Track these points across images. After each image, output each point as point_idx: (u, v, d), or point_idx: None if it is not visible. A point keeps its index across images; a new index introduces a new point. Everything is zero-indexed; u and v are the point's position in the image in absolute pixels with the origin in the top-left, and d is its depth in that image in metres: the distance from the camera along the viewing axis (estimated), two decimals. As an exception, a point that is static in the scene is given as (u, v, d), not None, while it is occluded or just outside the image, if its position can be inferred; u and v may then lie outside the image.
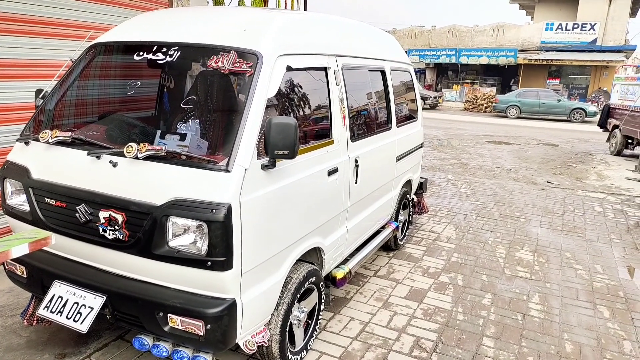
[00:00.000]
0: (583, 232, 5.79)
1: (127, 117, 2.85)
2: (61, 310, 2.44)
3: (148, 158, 2.30)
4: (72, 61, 2.98)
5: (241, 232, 2.22)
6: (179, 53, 2.61)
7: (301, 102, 2.89)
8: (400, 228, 4.81)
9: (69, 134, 2.54)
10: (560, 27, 28.15)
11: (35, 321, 2.86)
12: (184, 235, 2.23)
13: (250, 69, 2.42)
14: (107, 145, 2.45)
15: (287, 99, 2.73)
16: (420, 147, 5.26)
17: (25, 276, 2.71)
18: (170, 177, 2.27)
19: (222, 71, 2.46)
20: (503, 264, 4.67)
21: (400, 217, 4.85)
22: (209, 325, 2.22)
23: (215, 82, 2.65)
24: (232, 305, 2.27)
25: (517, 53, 28.15)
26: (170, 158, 2.29)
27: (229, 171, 2.20)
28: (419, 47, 33.47)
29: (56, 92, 2.87)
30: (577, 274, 4.55)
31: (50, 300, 2.49)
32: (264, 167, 2.36)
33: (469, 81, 31.62)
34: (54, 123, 2.77)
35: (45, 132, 2.58)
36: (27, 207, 2.63)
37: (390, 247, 4.76)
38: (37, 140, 2.62)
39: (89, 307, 2.39)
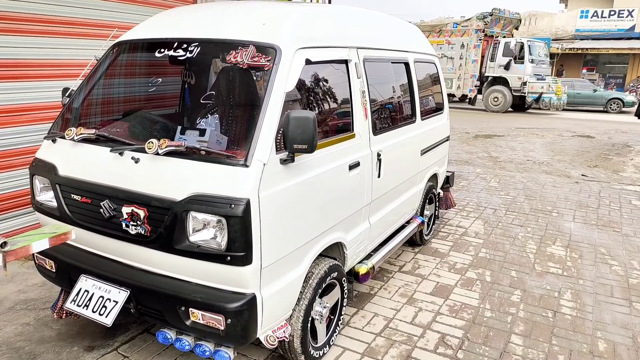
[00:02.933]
0: (619, 227, 5.56)
1: (150, 114, 2.88)
2: (87, 304, 2.50)
3: (169, 154, 2.32)
4: (97, 60, 3.04)
5: (260, 227, 2.22)
6: (199, 49, 2.62)
7: (321, 96, 2.86)
8: (425, 223, 4.73)
9: (93, 131, 2.59)
10: (595, 14, 27.17)
11: (64, 314, 2.94)
12: (204, 230, 2.24)
13: (268, 63, 2.41)
14: (130, 142, 2.48)
15: (306, 93, 2.70)
16: (447, 140, 5.16)
17: (54, 270, 2.78)
18: (189, 172, 2.28)
19: (241, 66, 2.45)
20: (533, 260, 4.53)
21: (426, 212, 4.76)
22: (229, 320, 2.23)
23: (234, 77, 2.66)
24: (252, 300, 2.27)
25: (551, 42, 27.28)
26: (190, 154, 2.31)
27: (247, 166, 2.19)
28: (446, 38, 32.80)
29: (81, 90, 2.93)
30: (612, 270, 4.38)
31: (77, 294, 2.55)
32: (283, 161, 2.34)
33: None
34: (79, 121, 2.82)
35: (71, 130, 2.64)
36: (55, 204, 2.70)
37: (415, 242, 4.69)
38: (63, 137, 2.69)
39: (114, 301, 2.44)
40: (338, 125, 3.01)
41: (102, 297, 2.47)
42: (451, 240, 4.98)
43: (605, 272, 4.32)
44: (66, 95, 2.97)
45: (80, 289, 2.56)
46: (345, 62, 3.02)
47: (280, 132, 2.32)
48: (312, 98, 2.79)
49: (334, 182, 2.80)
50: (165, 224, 2.28)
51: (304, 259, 2.63)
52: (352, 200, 3.07)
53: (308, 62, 2.57)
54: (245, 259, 2.19)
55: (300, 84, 2.61)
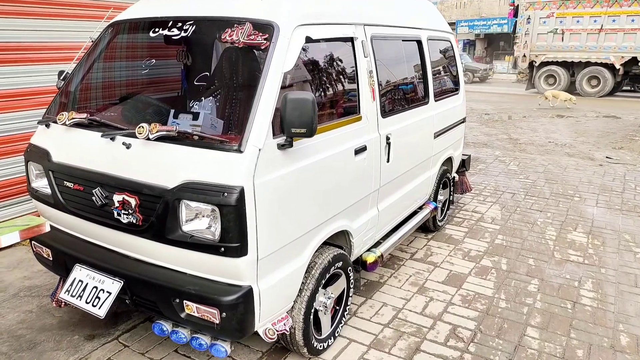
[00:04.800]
0: (645, 212, 5.30)
1: (147, 98, 2.76)
2: (81, 295, 2.43)
3: (160, 139, 2.20)
4: (92, 41, 2.92)
5: (256, 216, 2.09)
6: (194, 27, 2.47)
7: (324, 76, 2.70)
8: (439, 208, 4.56)
9: (84, 115, 2.48)
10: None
11: (63, 303, 2.88)
12: (197, 219, 2.13)
13: (265, 42, 2.25)
14: (122, 127, 2.37)
15: (307, 73, 2.54)
16: (463, 122, 4.94)
17: (50, 259, 2.72)
18: (182, 158, 2.16)
19: (237, 44, 2.30)
20: (553, 247, 4.33)
21: (440, 197, 4.58)
22: (224, 314, 2.12)
23: (230, 56, 2.51)
24: (249, 292, 2.15)
25: None
26: (182, 139, 2.18)
27: (241, 152, 2.06)
28: (468, 17, 32.03)
29: (76, 73, 2.82)
30: (637, 258, 4.15)
31: (72, 284, 2.48)
32: (281, 146, 2.20)
33: (523, 52, 29.94)
34: (73, 105, 2.72)
35: (63, 115, 2.54)
36: (49, 190, 2.62)
37: (428, 228, 4.52)
38: (56, 122, 2.59)
39: (107, 291, 2.36)
40: (343, 107, 2.85)
41: (96, 287, 2.40)
42: (466, 227, 4.80)
43: (629, 261, 4.10)
44: (61, 78, 2.86)
45: (75, 279, 2.48)
46: (351, 39, 2.84)
47: (278, 115, 2.18)
48: (313, 78, 2.63)
49: (338, 168, 2.66)
50: (157, 213, 2.17)
51: (305, 249, 2.51)
52: (358, 187, 2.92)
53: (309, 39, 2.41)
54: (240, 250, 2.07)
55: (301, 64, 2.46)
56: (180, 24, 2.51)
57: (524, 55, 18.62)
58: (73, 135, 2.53)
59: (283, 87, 2.25)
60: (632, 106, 15.10)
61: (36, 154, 2.66)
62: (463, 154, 5.26)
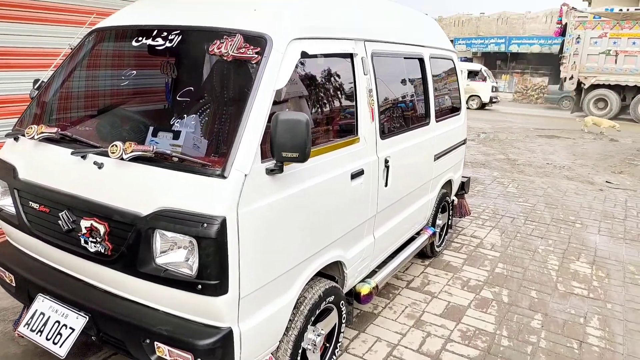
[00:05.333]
0: (649, 242, 5.11)
1: (125, 112, 2.54)
2: (41, 329, 2.17)
3: (136, 159, 1.97)
4: (71, 49, 2.70)
5: (239, 250, 1.86)
6: (180, 38, 2.27)
7: (320, 94, 2.49)
8: (437, 233, 4.34)
9: (54, 130, 2.25)
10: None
11: (25, 334, 2.62)
12: (173, 251, 1.90)
13: (257, 55, 2.04)
14: (94, 144, 2.15)
15: (301, 91, 2.34)
16: (463, 143, 4.75)
17: (13, 285, 2.47)
18: (158, 182, 1.94)
19: (226, 58, 2.09)
20: (556, 278, 4.12)
21: (438, 222, 4.37)
22: (199, 359, 1.88)
23: (217, 71, 2.30)
24: (228, 335, 1.92)
25: (573, 41, 26.42)
26: (159, 160, 1.96)
27: (224, 177, 1.84)
28: (466, 35, 32.20)
29: (51, 82, 2.59)
30: (644, 292, 3.95)
31: (32, 317, 2.23)
32: (270, 171, 1.98)
33: (519, 71, 30.11)
34: (46, 117, 2.49)
35: (32, 128, 2.31)
36: (14, 210, 2.38)
37: (425, 254, 4.30)
38: (24, 136, 2.36)
39: (70, 327, 2.11)
40: (340, 128, 2.64)
41: (59, 322, 2.15)
42: (465, 253, 4.58)
43: (636, 295, 3.89)
44: (35, 87, 2.64)
45: (36, 311, 2.23)
46: (351, 56, 2.64)
47: (268, 137, 1.96)
48: (309, 96, 2.42)
49: (332, 194, 2.44)
50: (128, 242, 1.93)
51: (294, 284, 2.28)
52: (354, 214, 2.70)
53: (304, 55, 2.20)
54: (219, 288, 1.84)
55: (295, 81, 2.25)
56: (165, 34, 2.30)
57: (572, 77, 17.67)
58: (42, 151, 2.30)
59: (276, 105, 2.04)
60: (630, 129, 15.02)
61: (2, 170, 2.43)
62: (462, 176, 5.07)
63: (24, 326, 2.23)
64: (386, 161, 2.95)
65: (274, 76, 2.03)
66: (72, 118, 2.52)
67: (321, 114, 2.52)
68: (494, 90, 19.98)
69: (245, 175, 1.87)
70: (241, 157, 1.87)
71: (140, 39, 2.36)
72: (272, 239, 2.04)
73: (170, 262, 1.90)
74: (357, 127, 2.68)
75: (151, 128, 2.14)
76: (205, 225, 1.79)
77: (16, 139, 2.44)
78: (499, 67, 31.78)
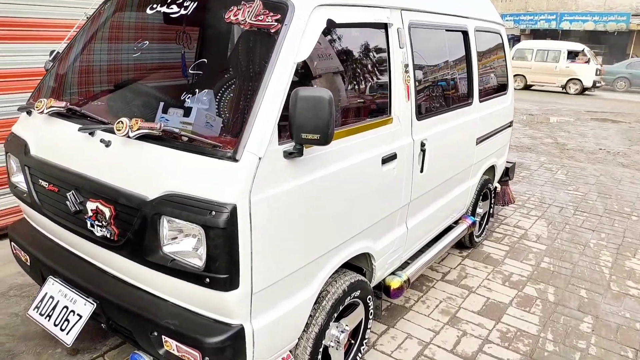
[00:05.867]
0: None
1: (140, 86, 2.37)
2: (50, 314, 2.08)
3: (144, 138, 1.81)
4: (87, 18, 2.55)
5: (251, 241, 1.67)
6: (195, 4, 2.06)
7: (348, 69, 2.25)
8: (477, 223, 4.04)
9: (63, 104, 2.11)
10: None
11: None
12: (181, 240, 1.73)
13: (276, 23, 1.81)
14: (102, 120, 1.99)
15: (326, 64, 2.10)
16: (509, 126, 4.38)
17: (28, 264, 2.39)
18: (165, 164, 1.77)
19: (242, 26, 1.87)
20: (609, 277, 3.76)
21: (479, 210, 4.06)
22: (207, 358, 1.72)
23: (234, 41, 2.09)
24: (239, 333, 1.74)
25: (630, 18, 24.67)
26: (168, 139, 1.78)
27: (236, 160, 1.64)
28: (513, 11, 30.62)
29: (65, 54, 2.46)
30: None
31: (42, 300, 2.14)
32: (288, 155, 1.77)
33: (571, 50, 28.43)
34: (58, 91, 2.36)
35: (41, 101, 2.18)
36: (25, 187, 2.28)
37: (464, 244, 4.01)
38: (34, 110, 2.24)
39: (78, 314, 2.00)
40: (370, 107, 2.40)
41: (67, 307, 2.04)
42: (507, 244, 4.26)
43: (702, 299, 3.49)
44: (51, 58, 2.51)
45: (46, 294, 2.14)
46: (385, 26, 2.37)
47: (287, 116, 1.75)
48: (334, 71, 2.18)
49: (360, 180, 2.21)
50: (134, 228, 1.78)
51: (315, 277, 2.08)
52: (384, 202, 2.47)
53: (331, 23, 1.96)
54: (229, 283, 1.66)
55: (319, 53, 2.02)
56: (181, 0, 2.10)
57: None
58: (52, 127, 2.17)
59: (294, 81, 1.81)
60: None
61: (15, 145, 2.33)
62: (507, 161, 4.71)
63: (34, 309, 2.14)
64: (422, 144, 2.69)
65: (295, 47, 1.80)
66: (84, 92, 2.38)
67: (350, 91, 2.28)
68: (598, 73, 18.03)
69: (260, 158, 1.67)
70: (255, 138, 1.67)
71: (155, 6, 2.17)
72: (289, 230, 1.84)
73: (178, 251, 1.74)
74: (391, 106, 2.43)
75: (162, 104, 1.96)
76: (214, 213, 1.60)
77: (29, 113, 2.33)
78: (549, 45, 30.12)
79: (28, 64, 3.23)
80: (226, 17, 1.92)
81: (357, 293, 2.35)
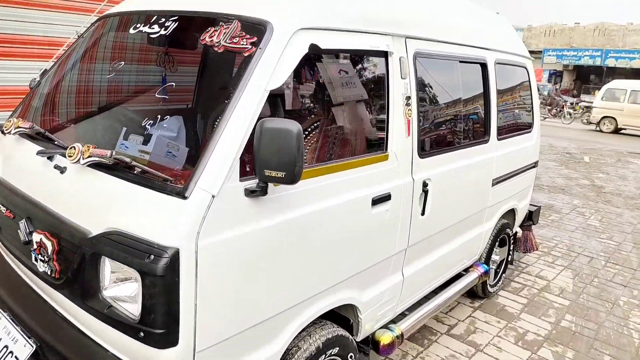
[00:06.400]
0: None
1: (114, 110, 2.22)
2: (-9, 352, 1.90)
3: (98, 166, 1.64)
4: (78, 36, 2.46)
5: (197, 291, 1.46)
6: (176, 24, 1.92)
7: (335, 99, 2.04)
8: (493, 271, 3.70)
9: (28, 124, 1.99)
10: None
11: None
12: (121, 284, 1.53)
13: (251, 46, 1.64)
14: (62, 144, 1.85)
15: (308, 94, 1.90)
16: (534, 167, 4.05)
17: (-12, 292, 2.24)
18: (114, 196, 1.59)
19: (216, 49, 1.71)
20: (638, 342, 3.33)
21: (495, 257, 3.72)
22: None
23: (206, 64, 1.93)
24: (178, 398, 1.51)
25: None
26: (120, 169, 1.61)
27: (185, 197, 1.44)
28: (557, 46, 30.05)
29: (48, 73, 2.36)
30: None
31: (-13, 336, 1.97)
32: (250, 193, 1.56)
33: (616, 87, 27.47)
34: (30, 110, 2.24)
35: (10, 121, 2.06)
36: None
37: (476, 293, 3.67)
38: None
39: (15, 356, 1.81)
40: (362, 141, 2.18)
41: (7, 347, 1.86)
42: (525, 296, 3.88)
43: None
44: (38, 77, 2.42)
45: (-8, 329, 1.97)
46: (385, 54, 2.16)
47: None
48: (317, 102, 1.98)
49: (342, 223, 1.97)
50: (73, 267, 1.60)
51: (281, 332, 1.84)
52: (374, 247, 2.21)
53: (315, 49, 1.76)
54: (165, 339, 1.45)
55: (300, 80, 1.82)
56: (163, 20, 1.97)
57: None
58: (18, 148, 2.04)
59: (266, 110, 1.62)
60: None
61: (-15, 165, 2.22)
62: (531, 204, 4.35)
63: (-23, 345, 1.97)
64: (425, 184, 2.43)
65: (267, 73, 1.61)
66: (56, 113, 2.26)
67: (336, 123, 2.07)
68: None
69: (213, 196, 1.47)
70: (210, 173, 1.47)
71: (138, 26, 2.05)
72: (249, 279, 1.62)
73: (117, 296, 1.54)
74: (387, 141, 2.20)
75: (124, 129, 1.80)
76: (152, 257, 1.40)
77: (3, 132, 2.22)
78: (592, 81, 29.28)
79: (13, 82, 3.18)
80: (202, 39, 1.77)
81: (336, 350, 2.08)
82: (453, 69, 2.78)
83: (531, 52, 3.93)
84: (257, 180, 1.55)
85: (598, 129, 17.26)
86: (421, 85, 2.43)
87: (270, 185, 1.60)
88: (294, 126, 1.47)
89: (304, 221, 1.77)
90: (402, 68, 2.24)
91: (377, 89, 2.22)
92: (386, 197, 2.18)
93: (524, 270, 4.41)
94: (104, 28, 2.34)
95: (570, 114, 19.31)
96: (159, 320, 1.43)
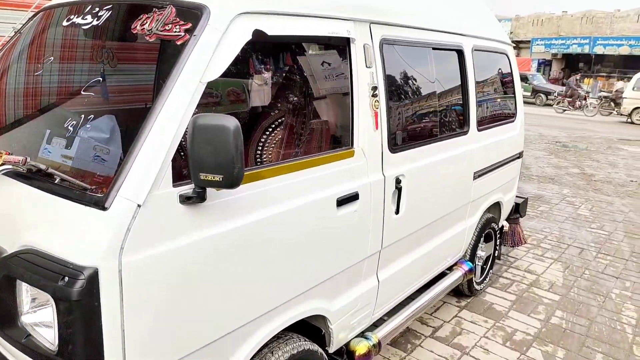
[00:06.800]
0: None
1: (51, 110, 2.01)
2: None
3: (14, 174, 1.45)
4: (15, 32, 2.25)
5: (123, 316, 1.27)
6: (109, 14, 1.73)
7: (288, 91, 1.85)
8: (478, 268, 3.53)
9: (-53, 130, 1.79)
10: None
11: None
12: (39, 310, 1.34)
13: (184, 34, 1.45)
14: (-17, 150, 1.64)
15: (255, 86, 1.71)
16: (518, 157, 3.88)
17: None
18: (31, 209, 1.39)
19: (148, 37, 1.52)
20: (632, 337, 3.18)
21: (480, 253, 3.56)
22: None
23: (137, 57, 1.73)
24: None
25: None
26: (36, 178, 1.42)
27: (104, 208, 1.26)
28: (545, 35, 29.95)
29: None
30: None
31: None
32: (185, 200, 1.37)
33: (605, 74, 27.45)
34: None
35: None
36: None
37: (462, 292, 3.51)
38: None
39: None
40: (323, 137, 1.99)
41: None
42: (514, 293, 3.72)
43: None
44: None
45: None
46: (347, 41, 1.98)
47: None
48: (273, 95, 1.79)
49: (302, 228, 1.79)
50: (-11, 290, 1.41)
51: (237, 351, 1.65)
52: (341, 252, 2.03)
53: (259, 35, 1.58)
54: (87, 372, 1.26)
55: (244, 70, 1.64)
56: (97, 9, 1.77)
57: None
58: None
59: (206, 105, 1.43)
60: None
61: None
62: (518, 196, 4.19)
63: None
64: (398, 181, 2.26)
65: (203, 63, 1.43)
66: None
67: (295, 117, 1.88)
68: None
69: (139, 205, 1.28)
70: (133, 179, 1.28)
71: (71, 17, 1.85)
72: (188, 298, 1.43)
73: (37, 323, 1.35)
74: (353, 136, 2.01)
75: (47, 132, 1.61)
76: (66, 279, 1.21)
77: None
78: (581, 69, 29.25)
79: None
80: (133, 27, 1.57)
81: (302, 365, 1.90)
82: (426, 56, 2.60)
83: (519, 41, 3.80)
84: (192, 186, 1.37)
85: (629, 120, 16.32)
86: (390, 75, 2.24)
87: (213, 189, 1.42)
88: (230, 122, 1.28)
89: (257, 228, 1.59)
90: (367, 56, 2.05)
91: (340, 79, 2.04)
92: (353, 197, 2.00)
93: (513, 264, 4.25)
94: (40, 22, 2.14)
95: (594, 106, 18.12)
96: (78, 352, 1.24)
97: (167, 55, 1.50)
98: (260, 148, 2.05)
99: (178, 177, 1.39)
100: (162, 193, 1.33)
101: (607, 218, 5.74)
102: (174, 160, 1.36)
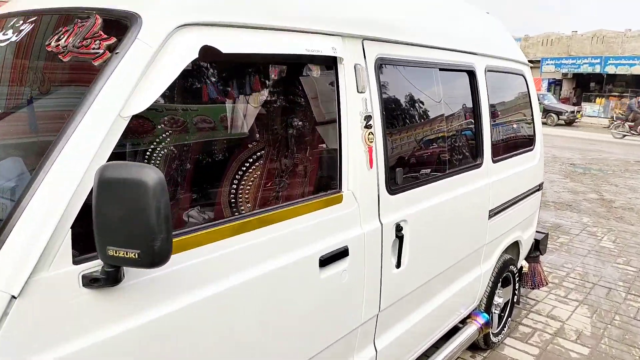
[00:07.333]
0: None
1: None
2: None
3: None
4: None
5: None
6: (30, 27, 1.38)
7: (265, 124, 1.46)
8: (496, 317, 3.08)
9: None
10: None
11: None
12: None
13: (104, 51, 1.08)
14: None
15: (225, 116, 1.33)
16: (538, 189, 3.45)
17: None
18: None
19: (62, 57, 1.15)
20: (680, 406, 2.70)
21: (498, 300, 3.10)
22: None
23: (50, 80, 1.36)
24: None
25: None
26: None
27: (-39, 302, 0.86)
28: (555, 54, 29.63)
29: None
30: None
31: None
32: (91, 282, 0.98)
33: (617, 94, 26.97)
34: None
35: None
36: None
37: (477, 345, 3.05)
38: None
39: None
40: (303, 180, 1.60)
41: None
42: (537, 344, 3.25)
43: None
44: None
45: None
46: (333, 61, 1.60)
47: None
48: (240, 129, 1.41)
49: (271, 302, 1.38)
50: None
51: None
52: (328, 323, 1.62)
53: (209, 54, 1.20)
54: None
55: (187, 96, 1.26)
56: (21, 23, 1.43)
57: None
58: None
59: (127, 149, 1.05)
60: None
61: None
62: (537, 231, 3.74)
63: None
64: (399, 228, 1.85)
65: (126, 90, 1.05)
66: None
67: (265, 158, 1.49)
68: None
69: (13, 297, 0.88)
70: (7, 259, 0.89)
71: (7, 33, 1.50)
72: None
73: None
74: (340, 177, 1.62)
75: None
76: None
77: None
78: (593, 89, 28.80)
79: None
80: (47, 44, 1.21)
81: None
82: (432, 78, 2.21)
83: (529, 61, 3.42)
84: (100, 263, 0.98)
85: None
86: (388, 101, 1.87)
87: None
88: (150, 175, 0.90)
89: (205, 310, 1.19)
90: (359, 79, 1.67)
91: (326, 106, 1.66)
92: (342, 253, 1.59)
93: (533, 308, 3.78)
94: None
95: None
96: None
97: (82, 80, 1.13)
98: (213, 197, 1.65)
99: (84, 249, 1.00)
100: (54, 275, 0.94)
101: (634, 251, 5.24)
102: (76, 227, 0.97)
